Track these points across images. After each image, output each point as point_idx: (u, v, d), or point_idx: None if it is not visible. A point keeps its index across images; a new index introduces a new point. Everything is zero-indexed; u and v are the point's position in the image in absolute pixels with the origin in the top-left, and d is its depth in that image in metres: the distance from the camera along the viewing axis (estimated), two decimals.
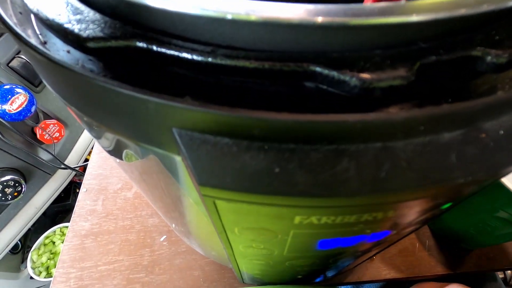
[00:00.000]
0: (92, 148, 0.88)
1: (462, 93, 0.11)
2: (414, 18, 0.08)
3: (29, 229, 0.79)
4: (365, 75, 0.08)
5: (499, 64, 0.09)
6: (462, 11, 0.08)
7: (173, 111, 0.08)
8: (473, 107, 0.08)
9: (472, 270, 0.36)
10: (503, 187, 0.26)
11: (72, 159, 0.82)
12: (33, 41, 0.13)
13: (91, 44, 0.10)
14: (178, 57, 0.09)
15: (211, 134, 0.09)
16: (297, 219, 0.10)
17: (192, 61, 0.09)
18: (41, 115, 0.72)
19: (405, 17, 0.08)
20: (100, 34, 0.10)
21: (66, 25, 0.10)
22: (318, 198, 0.08)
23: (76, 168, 0.81)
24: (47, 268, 0.82)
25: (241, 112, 0.08)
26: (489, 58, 0.09)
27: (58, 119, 0.75)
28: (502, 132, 0.09)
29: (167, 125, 0.09)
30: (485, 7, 0.08)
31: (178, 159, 0.11)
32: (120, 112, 0.10)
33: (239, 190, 0.08)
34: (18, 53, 0.68)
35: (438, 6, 0.08)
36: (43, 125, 0.70)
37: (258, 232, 0.12)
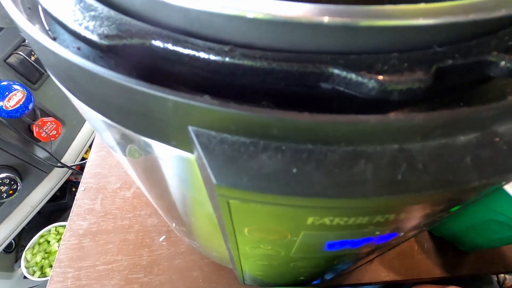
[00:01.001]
0: (89, 147, 0.87)
1: (474, 97, 0.11)
2: (432, 21, 0.08)
3: (23, 228, 0.78)
4: (384, 77, 0.08)
5: None
6: (479, 15, 0.08)
7: (191, 109, 0.08)
8: (489, 111, 0.08)
9: (469, 273, 0.37)
10: (502, 191, 0.26)
11: (69, 158, 0.81)
12: (44, 35, 0.13)
13: (105, 42, 0.10)
14: (194, 56, 0.09)
15: (228, 133, 0.09)
16: (310, 220, 0.10)
17: (208, 60, 0.09)
18: (38, 113, 0.72)
19: (424, 20, 0.08)
20: (115, 32, 0.10)
21: (80, 22, 0.10)
22: (334, 199, 0.08)
23: (72, 167, 0.80)
24: (41, 268, 0.81)
25: (260, 111, 0.08)
26: (503, 63, 0.09)
27: (55, 116, 0.74)
28: None
29: (183, 124, 0.09)
30: (504, 12, 0.08)
31: (190, 157, 0.11)
32: (135, 110, 0.09)
33: (256, 190, 0.08)
34: (16, 50, 0.67)
35: (456, 9, 0.08)
36: (40, 123, 0.70)
37: (268, 232, 0.12)
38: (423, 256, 0.38)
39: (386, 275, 0.36)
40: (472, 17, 0.08)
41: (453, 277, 0.36)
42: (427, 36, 0.09)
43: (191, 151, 0.10)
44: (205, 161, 0.08)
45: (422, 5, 0.08)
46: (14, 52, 0.66)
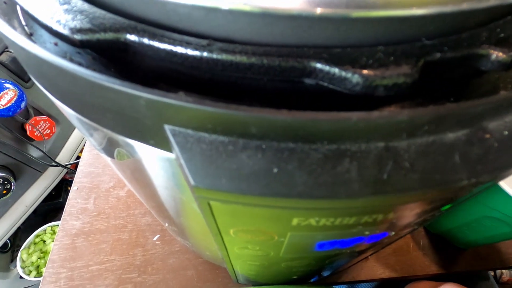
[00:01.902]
0: (84, 145, 0.86)
1: (465, 92, 0.10)
2: (420, 11, 0.07)
3: (18, 228, 0.77)
4: (368, 72, 0.08)
5: (504, 63, 0.09)
6: (469, 5, 0.08)
7: (166, 107, 0.08)
8: (479, 106, 0.08)
9: (465, 269, 0.37)
10: (497, 187, 0.26)
11: (64, 156, 0.80)
12: (18, 32, 0.12)
13: (78, 36, 0.09)
14: (171, 51, 0.09)
15: (206, 132, 0.08)
16: (295, 221, 0.10)
17: (186, 55, 0.09)
18: (31, 111, 0.71)
19: (411, 10, 0.07)
20: (88, 26, 0.09)
21: (52, 16, 0.10)
22: (318, 200, 0.08)
23: (67, 166, 0.79)
24: (37, 268, 0.80)
25: (238, 109, 0.07)
26: (493, 56, 0.09)
27: (49, 115, 0.74)
28: (506, 132, 0.09)
29: (159, 122, 0.08)
30: (493, 2, 0.07)
31: (171, 157, 0.10)
32: (109, 107, 0.09)
33: (236, 192, 0.08)
34: (7, 47, 0.66)
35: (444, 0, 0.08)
36: (33, 122, 0.69)
37: (254, 234, 0.12)
38: (419, 253, 0.37)
39: (382, 272, 0.36)
40: (462, 7, 0.07)
41: (449, 274, 0.36)
42: (414, 28, 0.09)
43: (171, 151, 0.10)
44: (182, 161, 0.08)
45: None
46: (5, 50, 0.65)
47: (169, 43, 0.09)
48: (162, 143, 0.09)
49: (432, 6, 0.07)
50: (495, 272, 0.88)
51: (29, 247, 0.82)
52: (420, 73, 0.08)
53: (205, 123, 0.08)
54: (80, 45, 0.09)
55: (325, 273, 0.30)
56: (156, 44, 0.09)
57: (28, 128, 0.68)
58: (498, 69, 0.09)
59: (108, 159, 0.18)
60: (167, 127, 0.08)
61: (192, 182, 0.08)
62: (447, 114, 0.08)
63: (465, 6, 0.07)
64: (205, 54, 0.09)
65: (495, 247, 0.38)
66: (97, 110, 0.10)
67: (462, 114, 0.08)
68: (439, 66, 0.09)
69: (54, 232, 0.85)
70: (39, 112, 0.72)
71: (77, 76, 0.08)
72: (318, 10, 0.07)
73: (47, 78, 0.10)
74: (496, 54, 0.09)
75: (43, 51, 0.08)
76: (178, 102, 0.07)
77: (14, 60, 0.66)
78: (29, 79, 0.70)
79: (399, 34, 0.09)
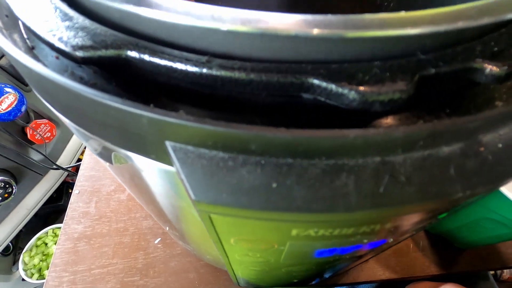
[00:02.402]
0: (85, 147, 0.87)
1: (459, 104, 0.11)
2: (414, 30, 0.08)
3: (20, 231, 0.77)
4: (365, 88, 0.08)
5: (498, 76, 0.09)
6: (462, 24, 0.08)
7: (167, 125, 0.08)
8: (473, 121, 0.08)
9: (465, 269, 0.37)
10: (497, 190, 0.26)
11: (65, 159, 0.80)
12: (20, 46, 0.12)
13: (80, 53, 0.09)
14: (171, 67, 0.09)
15: (206, 148, 0.08)
16: (294, 232, 0.10)
17: (186, 71, 0.09)
18: (31, 115, 0.71)
19: (406, 30, 0.07)
20: (90, 43, 0.09)
21: (54, 33, 0.10)
22: (316, 213, 0.08)
23: (68, 169, 0.79)
24: (39, 270, 0.81)
25: (238, 127, 0.07)
26: (488, 70, 0.09)
27: (49, 118, 0.74)
28: (500, 145, 0.09)
29: (160, 139, 0.09)
30: (486, 20, 0.08)
31: (172, 170, 0.11)
32: (111, 124, 0.09)
33: (236, 206, 0.08)
34: None
35: (438, 18, 0.08)
36: (34, 125, 0.69)
37: (254, 243, 0.12)
38: (419, 254, 0.38)
39: (382, 274, 0.36)
40: (454, 26, 0.08)
41: (449, 275, 0.37)
42: (409, 43, 0.09)
43: (171, 165, 0.10)
44: (183, 176, 0.08)
45: (402, 14, 0.08)
46: None
47: (169, 60, 0.09)
48: (163, 158, 0.10)
49: (425, 25, 0.08)
50: (495, 271, 0.89)
51: (31, 250, 0.82)
52: (415, 88, 0.08)
53: (206, 140, 0.08)
54: (82, 61, 0.09)
55: (325, 276, 0.30)
56: (156, 60, 0.09)
57: (28, 132, 0.68)
58: (492, 82, 0.09)
59: (107, 164, 0.18)
60: (168, 143, 0.08)
61: (193, 196, 0.08)
62: (443, 130, 0.08)
63: (458, 25, 0.08)
64: (204, 70, 0.09)
65: (495, 247, 0.39)
66: (99, 125, 0.10)
67: (457, 129, 0.08)
68: (434, 80, 0.09)
69: (55, 235, 0.85)
70: (39, 116, 0.73)
71: (80, 94, 0.08)
72: (316, 31, 0.07)
73: (50, 94, 0.10)
74: (490, 68, 0.09)
75: (46, 69, 0.09)
76: (179, 121, 0.07)
77: None
78: None
79: (394, 49, 0.09)
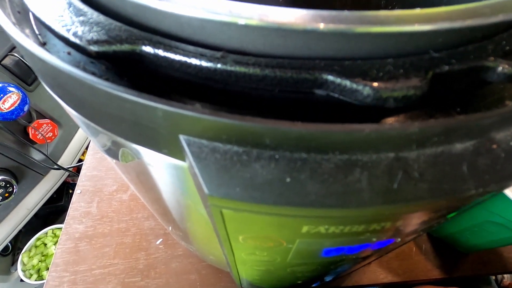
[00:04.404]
0: (86, 148, 0.87)
1: (470, 102, 0.11)
2: (430, 27, 0.08)
3: (20, 231, 0.77)
4: (379, 84, 0.08)
5: (510, 75, 0.09)
6: (477, 21, 0.08)
7: (182, 118, 0.08)
8: (487, 119, 0.08)
9: (467, 274, 0.37)
10: (500, 193, 0.26)
11: (66, 159, 0.80)
12: (32, 41, 0.12)
13: (94, 48, 0.09)
14: (185, 62, 0.09)
15: (220, 142, 0.08)
16: (305, 229, 0.10)
17: (200, 67, 0.09)
18: (34, 114, 0.71)
19: (422, 26, 0.08)
20: (105, 37, 0.09)
21: (68, 28, 0.10)
22: (330, 209, 0.08)
23: (69, 169, 0.79)
24: (38, 271, 0.80)
25: (253, 121, 0.07)
26: (500, 68, 0.09)
27: (51, 118, 0.74)
28: None
29: (174, 132, 0.09)
30: (501, 17, 0.08)
31: (182, 165, 0.11)
32: (125, 117, 0.09)
33: (249, 201, 0.08)
34: (11, 51, 0.66)
35: (452, 15, 0.08)
36: (36, 125, 0.69)
37: (263, 240, 0.12)
38: (421, 257, 0.38)
39: (384, 277, 0.36)
40: (469, 23, 0.08)
41: (451, 279, 0.36)
42: (423, 41, 0.09)
43: (183, 159, 0.10)
44: (197, 170, 0.08)
45: (417, 11, 0.08)
46: (9, 53, 0.65)
47: (184, 55, 0.09)
48: (175, 152, 0.10)
49: (440, 22, 0.08)
50: (496, 276, 0.88)
51: (30, 250, 0.82)
52: (429, 85, 0.08)
53: (220, 133, 0.08)
54: (96, 56, 0.09)
55: (328, 278, 0.30)
56: (170, 55, 0.09)
57: (30, 131, 0.68)
58: (504, 81, 0.09)
59: (113, 161, 0.18)
60: (182, 137, 0.08)
61: (206, 191, 0.08)
62: (457, 126, 0.08)
63: (472, 22, 0.08)
64: (219, 65, 0.09)
65: (497, 251, 0.38)
66: (112, 119, 0.10)
67: (471, 126, 0.08)
68: (446, 78, 0.09)
69: (55, 235, 0.85)
70: (41, 115, 0.73)
71: (97, 88, 0.08)
72: (330, 26, 0.07)
73: (64, 88, 0.10)
74: (503, 67, 0.09)
75: (64, 63, 0.09)
76: (195, 114, 0.08)
77: (17, 63, 0.66)
78: (32, 82, 0.71)
79: (408, 46, 0.09)
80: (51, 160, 0.73)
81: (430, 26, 0.07)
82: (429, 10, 0.08)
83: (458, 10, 0.08)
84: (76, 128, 0.83)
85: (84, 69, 0.11)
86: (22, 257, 0.80)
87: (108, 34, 0.10)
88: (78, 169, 0.84)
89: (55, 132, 0.73)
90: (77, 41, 0.09)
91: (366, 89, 0.08)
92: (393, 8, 0.25)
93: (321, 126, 0.07)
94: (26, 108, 0.62)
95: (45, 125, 0.70)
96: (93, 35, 0.09)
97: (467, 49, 0.09)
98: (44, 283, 0.35)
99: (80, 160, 0.84)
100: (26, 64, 0.67)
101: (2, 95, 0.57)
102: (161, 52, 0.09)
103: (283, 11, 0.08)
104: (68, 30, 0.10)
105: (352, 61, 0.09)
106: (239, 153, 0.08)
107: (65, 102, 0.11)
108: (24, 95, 0.61)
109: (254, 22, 0.07)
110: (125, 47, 0.09)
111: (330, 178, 0.08)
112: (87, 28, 0.10)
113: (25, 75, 0.68)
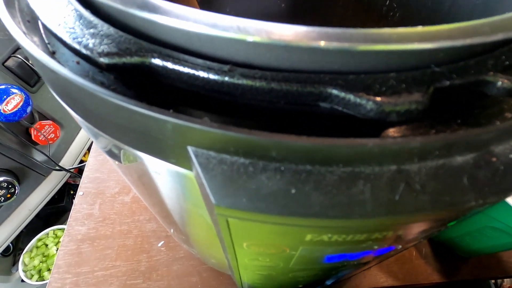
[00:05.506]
0: (88, 149, 0.87)
1: (470, 115, 0.11)
2: (432, 45, 0.08)
3: (21, 231, 0.77)
4: (382, 99, 0.08)
5: (509, 89, 0.09)
6: (478, 39, 0.08)
7: (191, 131, 0.08)
8: (487, 133, 0.08)
9: (467, 278, 0.37)
10: None
11: (67, 161, 0.81)
12: (42, 51, 0.13)
13: (105, 60, 0.10)
14: (194, 75, 0.09)
15: (227, 154, 0.09)
16: (308, 237, 0.10)
17: (208, 79, 0.09)
18: (36, 116, 0.71)
19: (424, 44, 0.08)
20: (115, 50, 0.10)
21: (79, 40, 0.10)
22: (333, 219, 0.08)
23: (71, 170, 0.79)
24: (39, 272, 0.80)
25: (260, 135, 0.08)
26: (499, 83, 0.09)
27: (54, 120, 0.74)
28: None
29: (182, 144, 0.09)
30: (501, 36, 0.08)
31: (189, 174, 0.11)
32: (133, 128, 0.09)
33: (255, 211, 0.08)
34: (14, 53, 0.67)
35: (453, 33, 0.08)
36: (38, 126, 0.69)
37: (267, 247, 0.12)
38: (421, 261, 0.38)
39: (385, 281, 0.36)
40: (469, 41, 0.08)
41: (451, 283, 0.37)
42: (425, 56, 0.09)
43: (190, 169, 0.10)
44: (204, 181, 0.08)
45: (419, 29, 0.08)
46: (12, 55, 0.66)
47: (192, 68, 0.09)
48: (182, 162, 0.10)
49: (441, 40, 0.08)
50: (496, 280, 0.88)
51: (31, 251, 0.82)
52: (430, 99, 0.09)
53: (228, 146, 0.08)
54: (107, 68, 0.10)
55: (329, 282, 0.30)
56: (179, 68, 0.09)
57: (33, 133, 0.69)
58: (503, 95, 0.09)
59: (118, 168, 0.18)
60: (190, 149, 0.09)
61: (213, 201, 0.08)
62: (457, 140, 0.08)
63: (472, 41, 0.08)
64: (226, 78, 0.09)
65: (497, 256, 0.39)
66: (121, 129, 0.10)
67: (471, 140, 0.08)
68: (447, 92, 0.09)
69: (56, 236, 0.85)
70: (44, 117, 0.73)
71: (106, 100, 0.09)
72: (334, 44, 0.08)
73: (73, 98, 0.10)
74: (502, 81, 0.09)
75: (74, 75, 0.09)
76: (204, 127, 0.08)
77: (20, 65, 0.67)
78: (35, 84, 0.71)
79: (410, 61, 0.09)
80: (53, 161, 0.73)
81: (431, 44, 0.08)
82: (430, 28, 0.08)
83: (459, 28, 0.08)
84: (78, 129, 0.83)
85: (93, 79, 0.11)
86: (23, 257, 0.81)
87: (118, 46, 0.10)
88: (79, 170, 0.84)
89: (57, 133, 0.74)
90: (88, 53, 0.10)
91: (369, 103, 0.08)
92: (394, 15, 0.26)
93: (326, 140, 0.08)
94: (29, 109, 0.62)
95: (47, 126, 0.71)
96: (103, 48, 0.10)
97: (467, 63, 0.09)
98: (44, 283, 0.35)
99: (82, 161, 0.85)
100: (29, 65, 0.68)
101: (5, 96, 0.58)
102: (170, 65, 0.09)
103: (289, 28, 0.08)
104: (79, 43, 0.10)
105: (355, 75, 0.09)
106: (245, 165, 0.08)
107: (74, 111, 0.11)
108: (27, 97, 0.62)
109: (261, 39, 0.08)
110: (135, 59, 0.10)
111: (334, 190, 0.08)
112: (97, 41, 0.10)
113: (28, 76, 0.68)
